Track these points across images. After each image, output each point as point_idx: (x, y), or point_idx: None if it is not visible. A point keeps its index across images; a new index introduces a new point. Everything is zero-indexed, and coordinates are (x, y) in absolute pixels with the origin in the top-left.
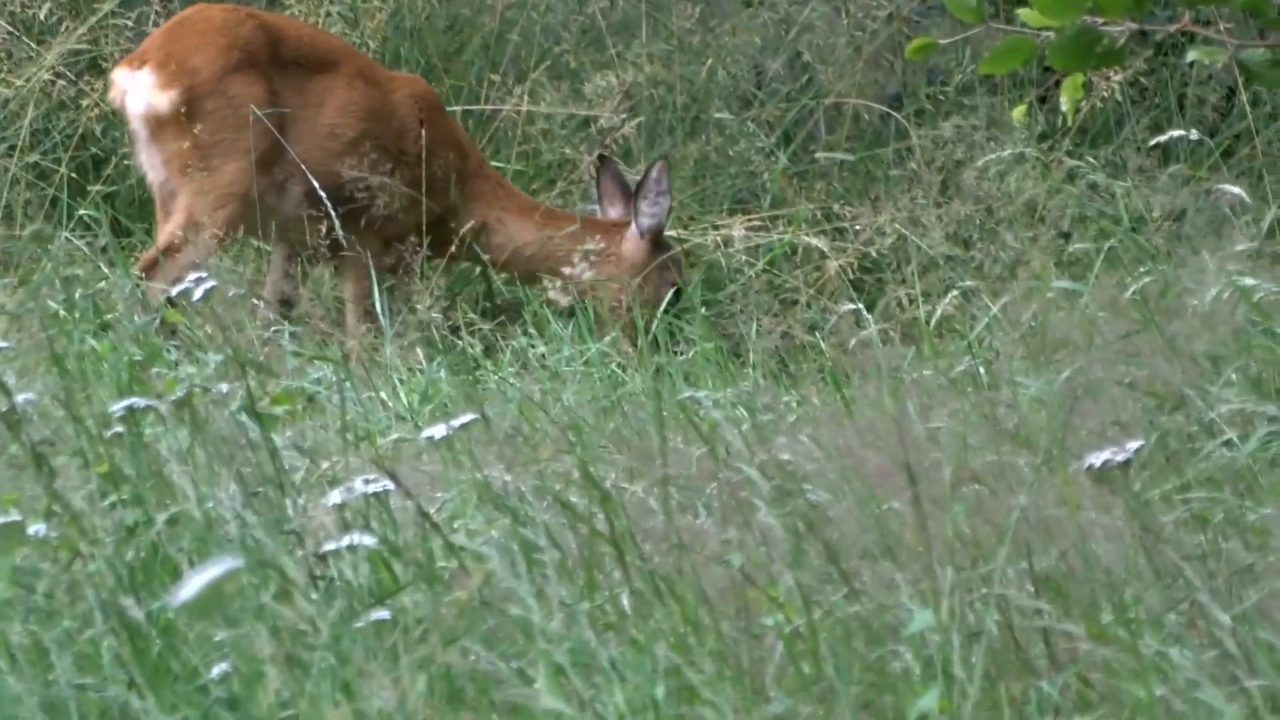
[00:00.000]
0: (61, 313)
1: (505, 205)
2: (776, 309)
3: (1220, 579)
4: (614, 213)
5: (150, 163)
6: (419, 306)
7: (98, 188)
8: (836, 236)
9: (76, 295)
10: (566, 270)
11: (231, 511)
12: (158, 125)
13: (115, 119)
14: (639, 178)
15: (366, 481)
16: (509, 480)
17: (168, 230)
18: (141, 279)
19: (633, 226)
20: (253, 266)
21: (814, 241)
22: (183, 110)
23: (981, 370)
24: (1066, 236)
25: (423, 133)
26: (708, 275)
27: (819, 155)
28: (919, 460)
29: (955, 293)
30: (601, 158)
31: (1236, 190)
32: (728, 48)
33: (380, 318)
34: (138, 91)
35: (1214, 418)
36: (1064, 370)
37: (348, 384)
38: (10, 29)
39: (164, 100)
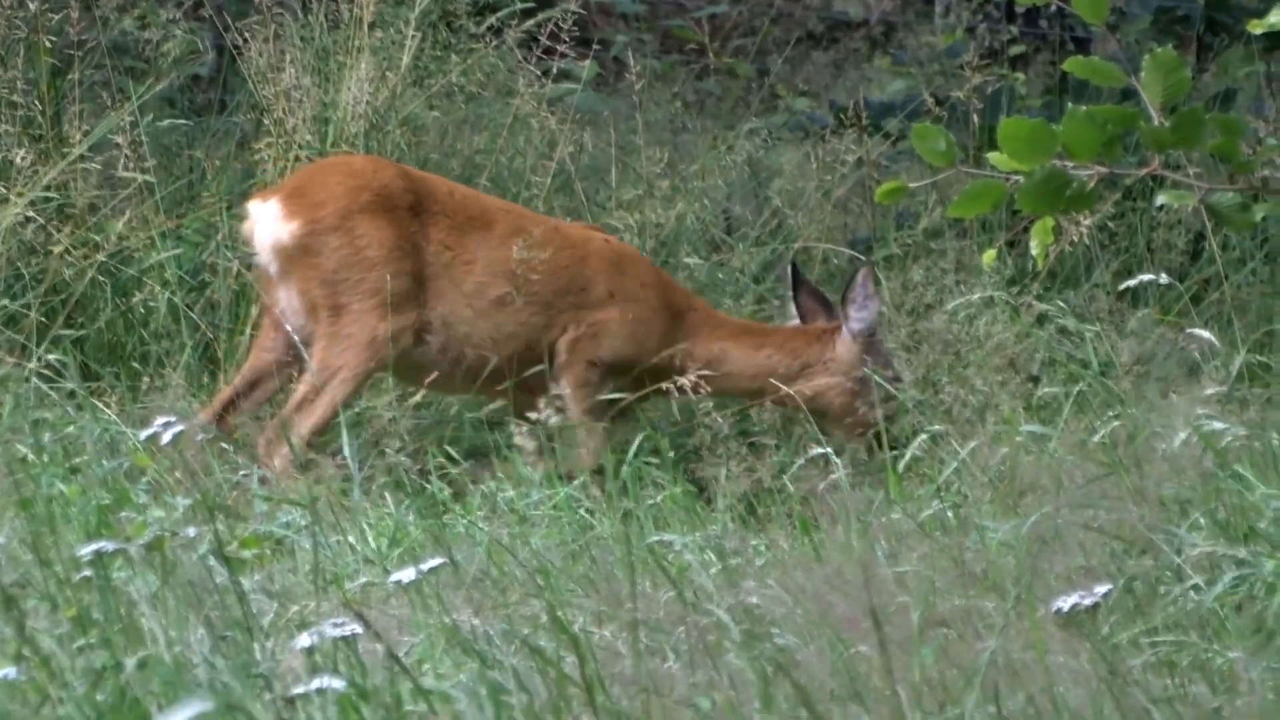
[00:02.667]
0: (30, 456)
1: (722, 334)
2: (745, 452)
3: None
4: (819, 321)
5: (286, 304)
6: (388, 450)
7: (67, 331)
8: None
9: (45, 439)
10: (790, 384)
11: (200, 655)
12: (285, 258)
13: (86, 263)
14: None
15: (335, 625)
16: (477, 624)
17: (304, 380)
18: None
19: (845, 330)
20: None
21: (782, 386)
22: (305, 244)
23: (950, 514)
24: (1035, 381)
25: (603, 286)
26: (677, 418)
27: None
28: (887, 604)
29: (924, 436)
30: (794, 267)
31: (1206, 335)
32: (696, 192)
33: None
34: (265, 222)
35: (1181, 562)
36: (1032, 514)
37: (316, 528)
38: None
39: (286, 230)
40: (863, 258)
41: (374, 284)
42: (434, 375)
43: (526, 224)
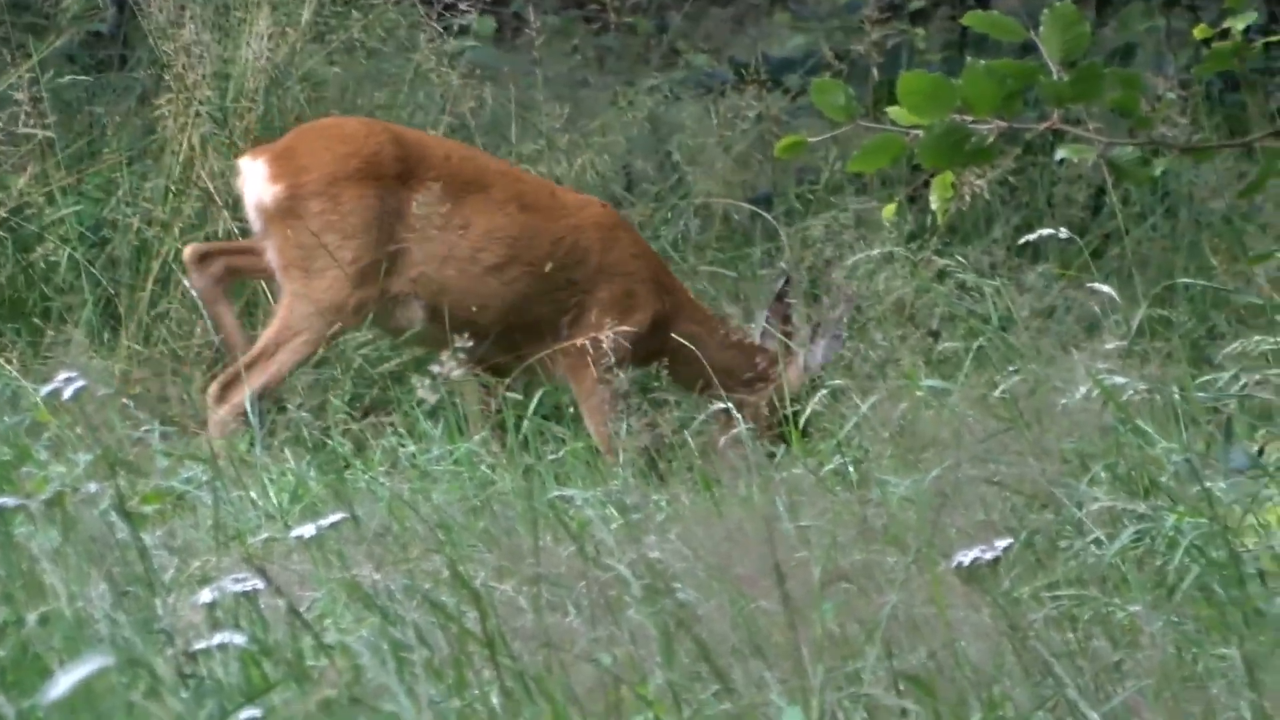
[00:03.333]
0: None
1: (699, 318)
2: (646, 408)
3: (1089, 676)
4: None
5: (269, 258)
6: (288, 405)
7: None
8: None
9: None
10: (736, 392)
11: (101, 610)
12: (265, 218)
13: None
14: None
15: (236, 580)
16: (378, 579)
17: (264, 336)
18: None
19: (801, 359)
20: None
21: (684, 341)
22: (288, 206)
23: (851, 469)
24: (935, 335)
25: (595, 260)
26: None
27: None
28: (788, 559)
29: (824, 391)
30: (787, 280)
31: (1106, 289)
32: (596, 147)
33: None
34: (251, 180)
35: (1082, 516)
36: (933, 469)
37: (218, 483)
38: None
39: (269, 192)
40: (765, 213)
41: (351, 252)
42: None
43: (524, 188)
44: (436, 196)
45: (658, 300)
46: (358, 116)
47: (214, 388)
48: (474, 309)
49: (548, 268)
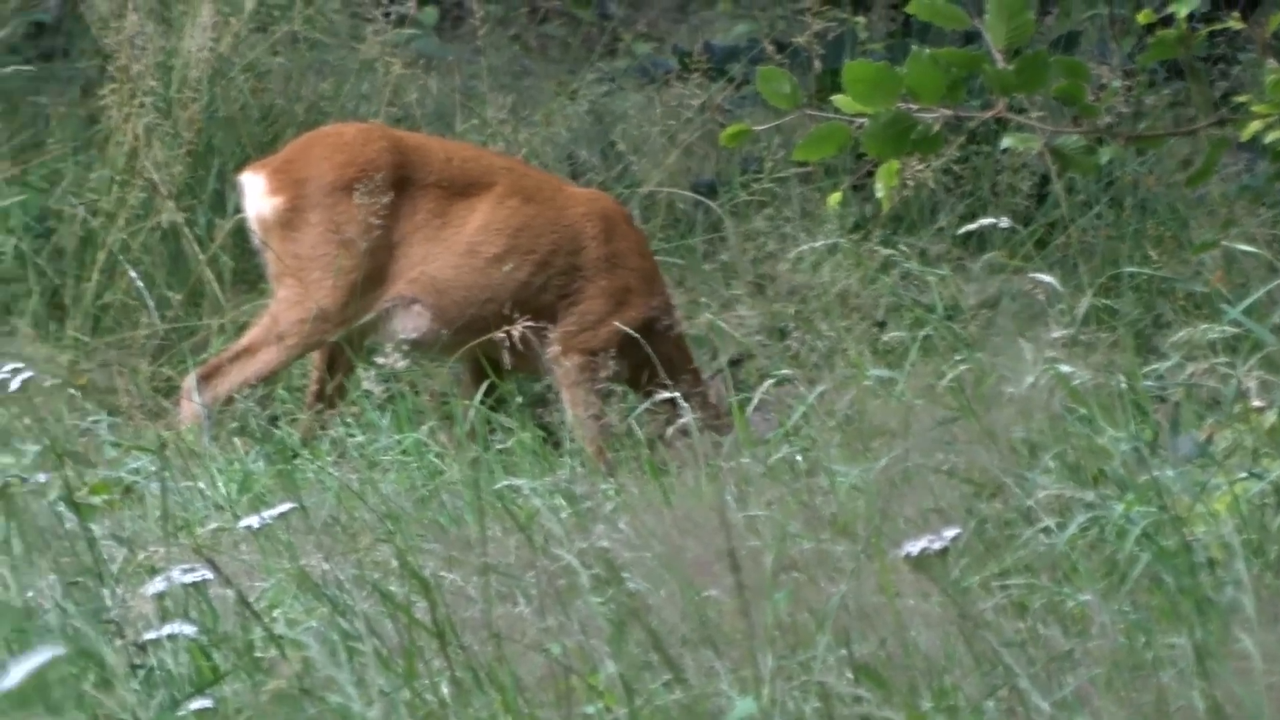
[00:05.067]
0: None
1: (679, 349)
2: (593, 398)
3: (1039, 665)
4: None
5: (269, 270)
6: (236, 396)
7: None
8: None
9: None
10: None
11: (51, 601)
12: (264, 230)
13: None
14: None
15: (185, 571)
16: (328, 569)
17: (251, 333)
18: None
19: (728, 430)
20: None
21: (630, 331)
22: (288, 217)
23: (799, 458)
24: (881, 325)
25: (597, 248)
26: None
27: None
28: (738, 548)
29: (771, 381)
30: (735, 362)
31: (1048, 279)
32: (541, 137)
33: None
34: (252, 194)
35: (1032, 504)
36: (881, 458)
37: (166, 474)
38: None
39: (270, 205)
40: (710, 202)
41: (346, 262)
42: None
43: (529, 183)
44: (378, 187)
45: (650, 303)
46: (355, 123)
47: (191, 378)
48: (479, 303)
49: (550, 255)
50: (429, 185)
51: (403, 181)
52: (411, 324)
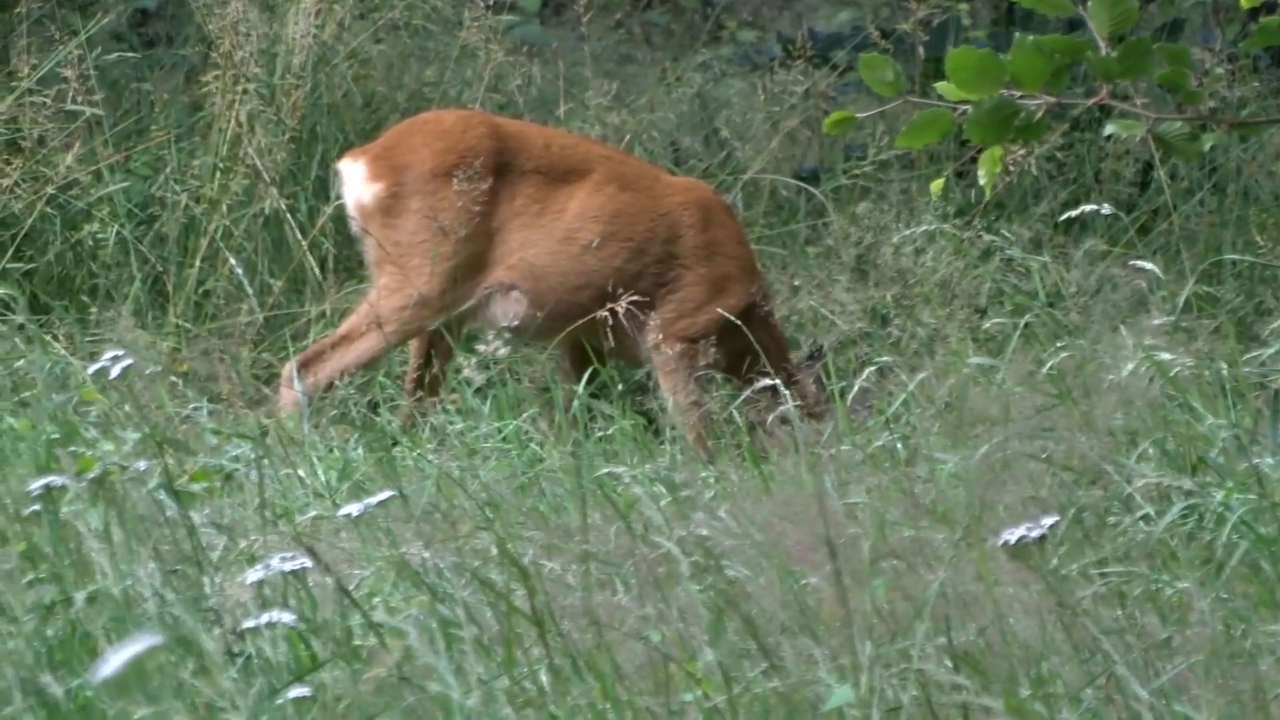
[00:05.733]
0: None
1: (774, 338)
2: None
3: (1137, 653)
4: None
5: (368, 257)
6: (336, 383)
7: (16, 265)
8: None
9: None
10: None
11: (150, 589)
12: (364, 217)
13: (35, 196)
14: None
15: (285, 559)
16: (427, 557)
17: (351, 320)
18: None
19: (828, 418)
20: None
21: (731, 318)
22: (388, 204)
23: (899, 446)
24: (982, 312)
25: (694, 236)
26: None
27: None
28: (837, 535)
29: (872, 369)
30: (821, 349)
31: (1149, 266)
32: (644, 124)
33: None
34: (352, 181)
35: (1130, 492)
36: (981, 446)
37: (266, 461)
38: None
39: (369, 192)
40: (813, 189)
41: (445, 249)
42: (517, 323)
43: (627, 170)
44: (477, 174)
45: (750, 291)
46: (455, 109)
47: (291, 365)
48: (575, 289)
49: (646, 242)
50: (528, 172)
51: (502, 168)
52: (511, 310)
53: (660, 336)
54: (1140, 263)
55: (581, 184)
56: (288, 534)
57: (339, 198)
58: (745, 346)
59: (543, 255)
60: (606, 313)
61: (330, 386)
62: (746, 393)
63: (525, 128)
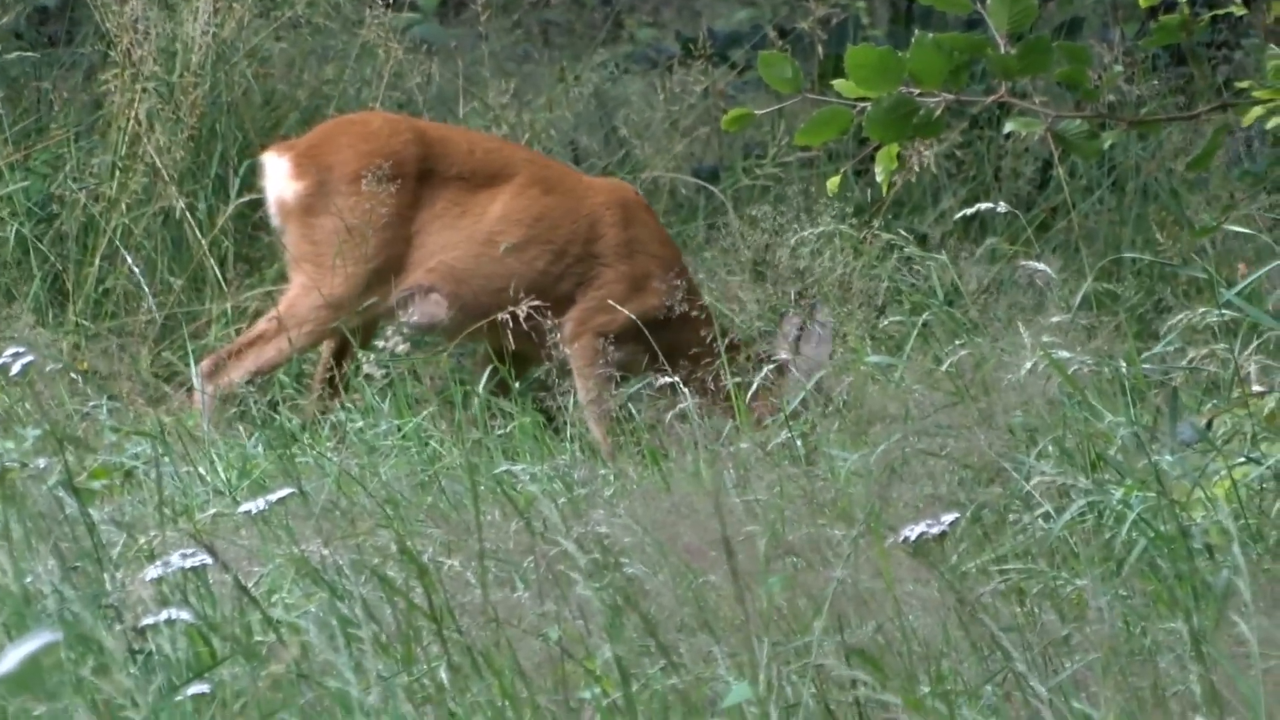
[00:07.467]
0: None
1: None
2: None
3: (1037, 650)
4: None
5: (285, 255)
6: (251, 381)
7: None
8: None
9: None
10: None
11: (49, 586)
12: (284, 214)
13: None
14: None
15: (184, 556)
16: (326, 554)
17: (264, 320)
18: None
19: (794, 372)
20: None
21: (632, 316)
22: (309, 203)
23: (798, 443)
24: (881, 311)
25: (615, 234)
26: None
27: None
28: (736, 533)
29: (770, 366)
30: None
31: (1041, 267)
32: (544, 123)
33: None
34: (275, 176)
35: (1030, 490)
36: (880, 443)
37: (166, 459)
38: None
39: (291, 189)
40: (712, 188)
41: (364, 251)
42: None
43: (550, 173)
44: (386, 176)
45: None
46: (383, 112)
47: (206, 364)
48: (495, 292)
49: (568, 244)
50: (451, 177)
51: (425, 174)
52: (430, 312)
53: (575, 331)
54: (1033, 263)
55: (505, 187)
56: (187, 531)
57: (241, 195)
58: (670, 343)
59: (464, 258)
60: (507, 316)
61: (250, 384)
62: (635, 388)
63: (450, 132)
